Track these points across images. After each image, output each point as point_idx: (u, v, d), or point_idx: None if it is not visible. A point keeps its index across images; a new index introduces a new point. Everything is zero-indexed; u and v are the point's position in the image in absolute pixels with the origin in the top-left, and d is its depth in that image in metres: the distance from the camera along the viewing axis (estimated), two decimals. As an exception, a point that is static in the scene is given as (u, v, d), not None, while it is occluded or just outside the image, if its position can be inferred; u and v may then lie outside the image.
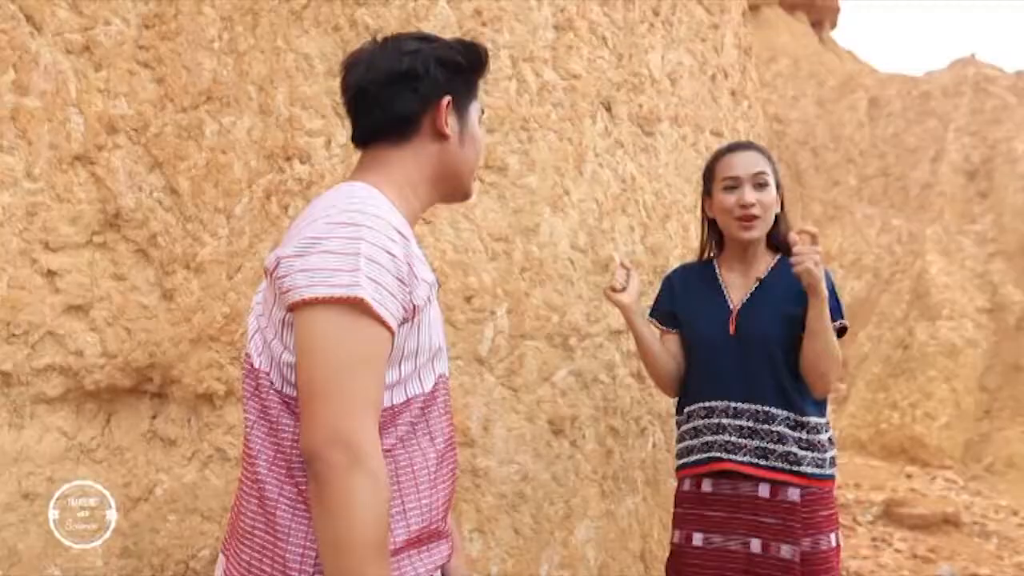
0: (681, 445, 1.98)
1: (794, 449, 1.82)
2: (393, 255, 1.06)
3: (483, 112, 1.34)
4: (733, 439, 1.85)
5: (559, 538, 2.21)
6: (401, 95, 1.21)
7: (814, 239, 1.78)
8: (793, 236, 1.78)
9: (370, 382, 1.03)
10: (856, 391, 13.34)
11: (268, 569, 1.09)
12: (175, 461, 1.68)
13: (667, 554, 1.99)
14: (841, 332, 1.85)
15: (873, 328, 14.47)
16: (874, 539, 5.74)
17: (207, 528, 1.68)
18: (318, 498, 1.00)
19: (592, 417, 2.30)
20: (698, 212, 2.11)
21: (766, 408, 1.84)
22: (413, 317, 1.10)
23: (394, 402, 1.11)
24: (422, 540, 1.14)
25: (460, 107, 1.25)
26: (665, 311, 2.02)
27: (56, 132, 1.52)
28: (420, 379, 1.14)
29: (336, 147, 1.80)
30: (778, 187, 1.91)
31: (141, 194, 1.61)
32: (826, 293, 1.76)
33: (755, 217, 1.86)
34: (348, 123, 1.80)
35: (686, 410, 1.97)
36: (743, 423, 1.85)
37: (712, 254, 2.03)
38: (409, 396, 1.13)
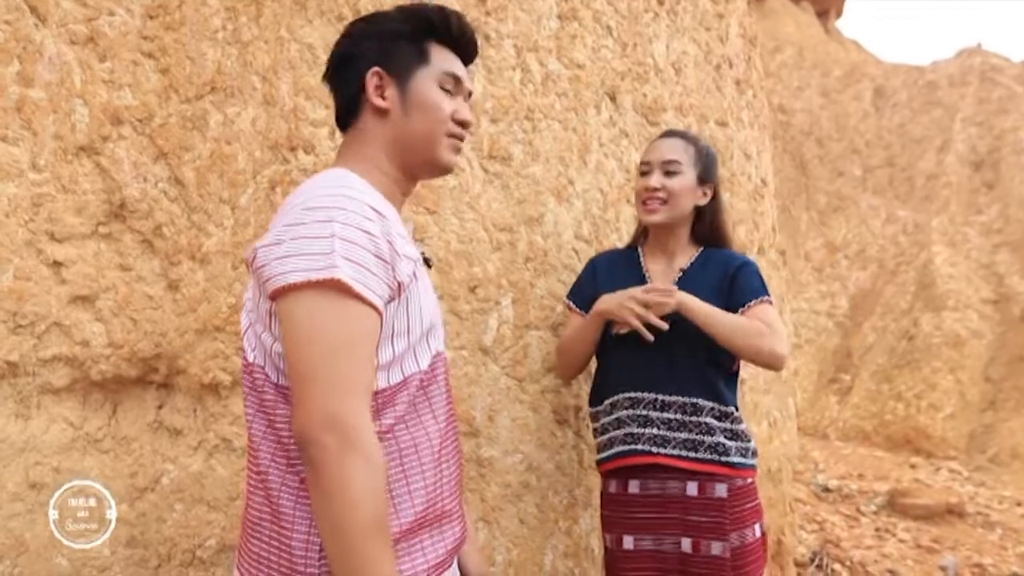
0: (603, 437, 1.95)
1: (722, 439, 1.83)
2: (369, 233, 1.05)
3: (456, 76, 1.24)
4: (661, 432, 1.84)
5: (563, 527, 2.22)
6: (343, 79, 1.25)
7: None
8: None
9: (358, 363, 1.02)
10: (860, 382, 13.32)
11: (275, 559, 1.10)
12: (181, 451, 1.68)
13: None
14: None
15: (878, 319, 14.44)
16: (878, 529, 5.74)
17: (213, 517, 1.69)
18: (314, 482, 1.00)
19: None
20: None
21: (693, 400, 1.83)
22: (399, 294, 1.09)
23: (391, 382, 1.11)
24: (430, 521, 1.14)
25: (401, 76, 1.21)
26: (587, 296, 1.98)
27: (61, 123, 1.52)
28: (416, 357, 1.14)
29: (340, 137, 1.80)
30: (703, 180, 1.91)
31: (146, 185, 1.61)
32: (674, 304, 1.77)
33: (659, 201, 1.88)
34: None
35: (607, 400, 1.94)
36: (671, 416, 1.84)
37: (640, 242, 2.03)
38: (406, 375, 1.12)
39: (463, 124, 1.26)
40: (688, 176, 1.89)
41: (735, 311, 1.82)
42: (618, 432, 1.90)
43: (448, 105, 1.23)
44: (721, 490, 1.81)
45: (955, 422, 11.75)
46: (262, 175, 1.72)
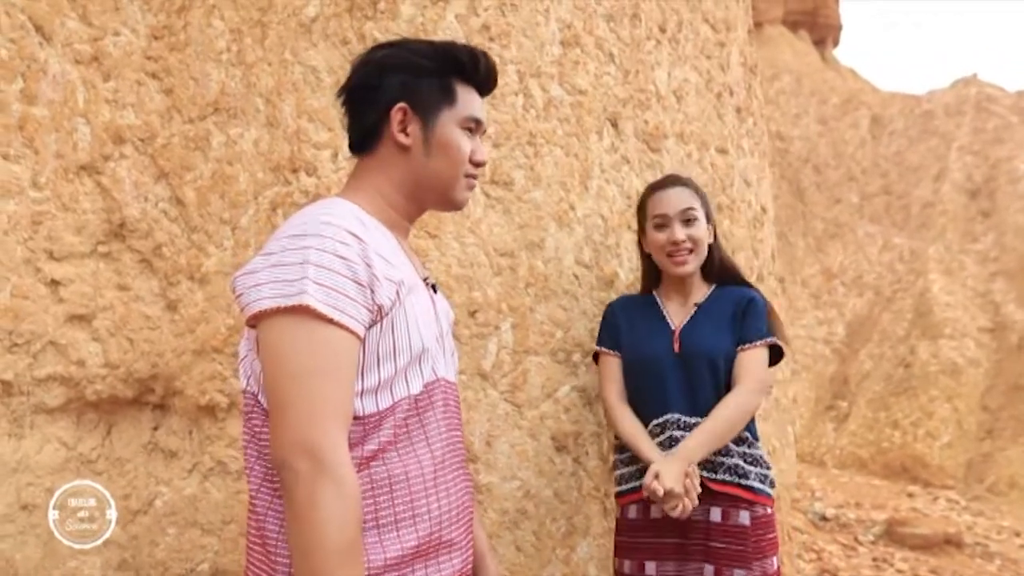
0: (629, 469, 1.94)
1: (740, 462, 1.86)
2: (344, 257, 1.06)
3: (477, 120, 1.27)
4: None
5: (560, 555, 2.19)
6: (362, 106, 1.24)
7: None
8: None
9: (331, 387, 1.03)
10: (857, 409, 13.30)
11: None
12: (175, 473, 1.66)
13: None
14: (777, 358, 1.94)
15: (874, 346, 14.44)
16: (875, 559, 5.70)
17: (207, 541, 1.67)
18: (288, 506, 1.01)
19: (595, 434, 2.28)
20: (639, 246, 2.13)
21: None
22: (382, 318, 1.10)
23: (379, 407, 1.10)
24: (424, 552, 1.12)
25: (425, 114, 1.23)
26: (615, 338, 2.03)
27: (63, 141, 1.52)
28: (406, 381, 1.13)
29: (343, 159, 1.80)
30: (708, 219, 1.98)
31: (147, 204, 1.60)
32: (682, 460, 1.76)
33: (686, 251, 1.92)
34: None
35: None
36: None
37: (655, 287, 2.08)
38: (395, 400, 1.12)
39: (479, 164, 1.28)
40: (703, 221, 1.96)
41: (739, 345, 1.90)
42: (643, 464, 1.89)
43: (468, 146, 1.25)
44: (744, 517, 1.82)
45: (952, 451, 11.72)
46: (263, 196, 1.71)
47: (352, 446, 1.08)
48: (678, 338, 1.92)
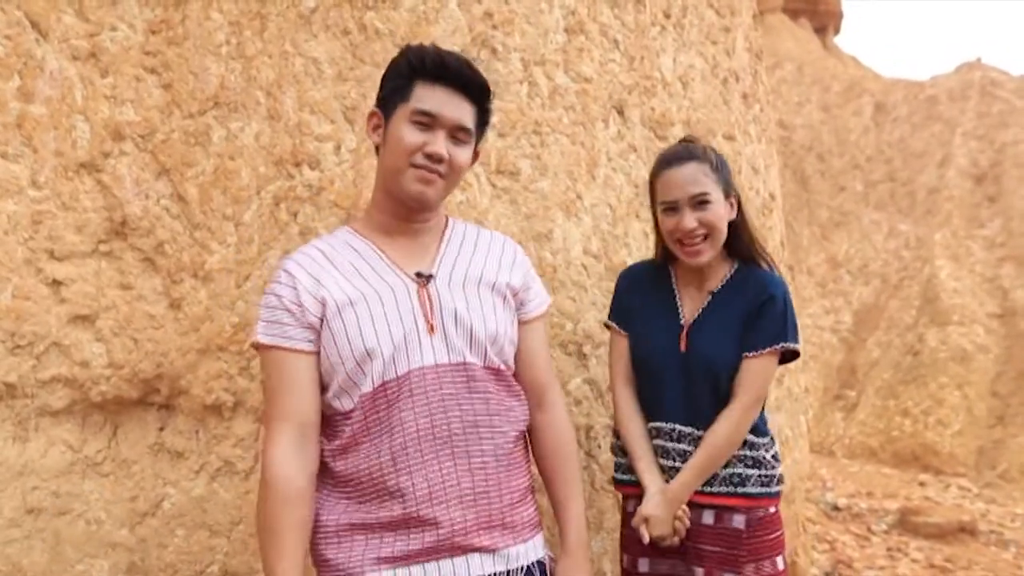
0: (623, 459, 1.88)
1: (739, 469, 1.75)
2: (277, 294, 1.34)
3: (426, 112, 1.34)
4: (676, 464, 1.76)
5: (574, 550, 2.16)
6: None
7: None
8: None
9: (283, 400, 1.32)
10: (866, 398, 13.25)
11: None
12: (183, 474, 1.64)
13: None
14: (791, 356, 1.79)
15: (882, 334, 14.38)
16: (889, 549, 5.66)
17: (216, 543, 1.64)
18: None
19: (607, 426, 2.25)
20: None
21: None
22: (319, 332, 1.33)
23: (344, 407, 1.35)
24: (371, 526, 1.32)
25: (388, 114, 1.37)
26: (625, 312, 1.89)
27: (62, 139, 1.49)
28: (356, 383, 1.32)
29: (346, 152, 1.77)
30: (728, 194, 1.78)
31: (148, 202, 1.57)
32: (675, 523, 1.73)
33: (701, 239, 1.73)
34: (358, 128, 1.80)
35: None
36: (685, 447, 1.76)
37: (671, 259, 1.87)
38: (354, 400, 1.33)
39: (431, 157, 1.34)
40: (718, 200, 1.74)
41: (746, 351, 1.75)
42: None
43: (415, 138, 1.34)
44: (739, 521, 1.74)
45: (963, 438, 11.66)
46: (266, 191, 1.69)
47: (331, 437, 1.36)
48: (686, 336, 1.77)
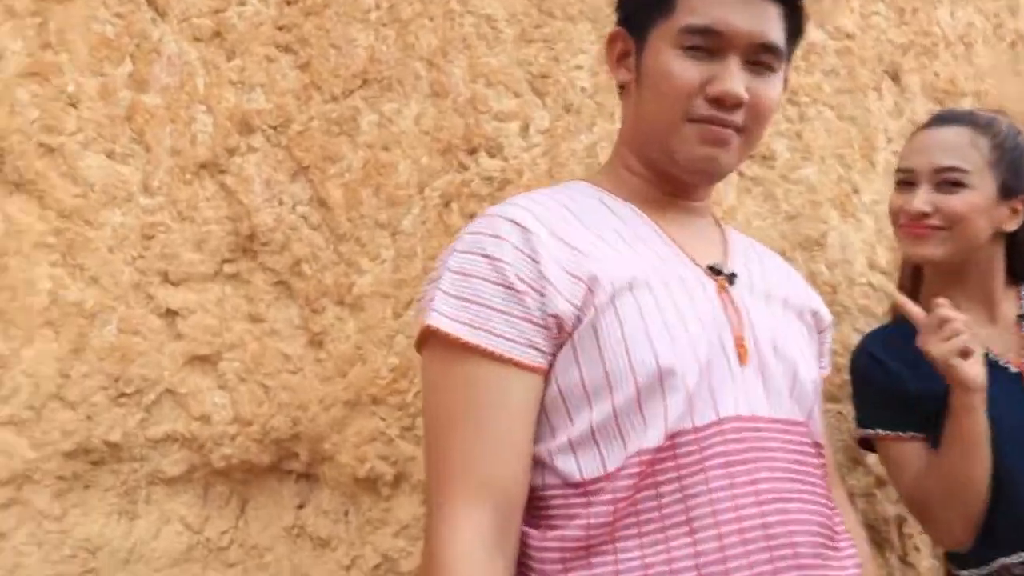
0: None
1: None
2: (491, 257, 0.90)
3: (707, 29, 0.88)
4: None
5: None
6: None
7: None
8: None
9: (480, 451, 0.84)
10: None
11: None
12: (329, 569, 1.27)
13: None
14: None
15: None
16: None
17: (369, 667, 1.22)
18: None
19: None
20: None
21: None
22: (563, 334, 0.88)
23: (586, 472, 0.85)
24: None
25: (640, 36, 0.96)
26: (899, 404, 1.28)
27: (179, 135, 1.24)
28: (628, 428, 0.84)
29: (536, 133, 1.39)
30: (1008, 192, 1.27)
31: (282, 209, 1.28)
32: (978, 384, 1.12)
33: (933, 228, 1.26)
34: (550, 101, 1.40)
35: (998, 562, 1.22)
36: None
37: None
38: (620, 458, 0.83)
39: (719, 101, 0.86)
40: (981, 188, 1.26)
41: None
42: None
43: (691, 73, 0.86)
44: None
45: None
46: (432, 188, 1.34)
47: (546, 527, 0.80)
48: None
